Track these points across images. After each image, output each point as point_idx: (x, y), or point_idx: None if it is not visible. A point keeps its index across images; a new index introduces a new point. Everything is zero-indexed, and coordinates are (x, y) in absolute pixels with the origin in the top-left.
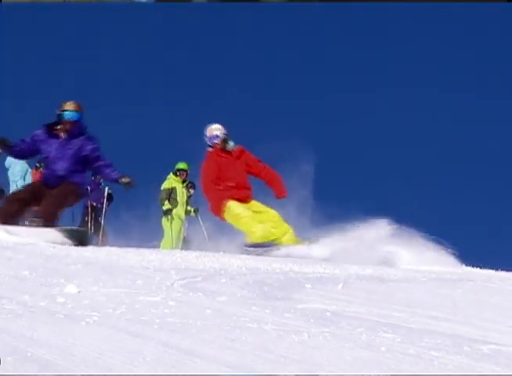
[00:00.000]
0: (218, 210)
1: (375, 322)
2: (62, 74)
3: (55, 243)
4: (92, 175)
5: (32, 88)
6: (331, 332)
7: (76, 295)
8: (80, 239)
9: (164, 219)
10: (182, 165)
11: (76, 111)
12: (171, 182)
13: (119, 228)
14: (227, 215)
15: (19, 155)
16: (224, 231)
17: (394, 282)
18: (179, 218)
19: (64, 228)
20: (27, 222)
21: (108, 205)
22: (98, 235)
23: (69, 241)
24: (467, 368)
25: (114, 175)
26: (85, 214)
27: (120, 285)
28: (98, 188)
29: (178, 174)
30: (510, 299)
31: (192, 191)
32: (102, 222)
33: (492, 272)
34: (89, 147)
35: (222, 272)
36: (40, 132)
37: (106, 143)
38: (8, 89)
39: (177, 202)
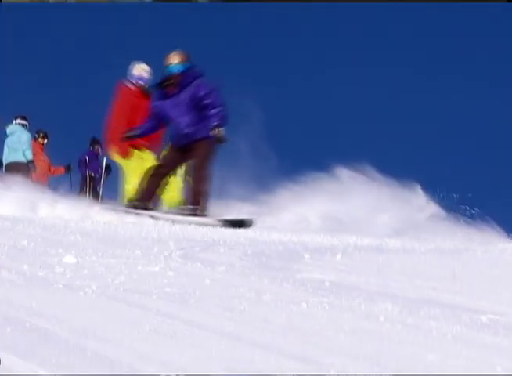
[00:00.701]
0: (121, 152)
1: (374, 292)
2: (64, 74)
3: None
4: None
5: (32, 87)
6: (330, 302)
7: (74, 265)
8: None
9: None
10: None
11: (180, 62)
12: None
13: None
14: (124, 161)
15: (153, 132)
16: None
17: (392, 252)
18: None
19: (226, 219)
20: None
21: (106, 176)
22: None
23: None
24: (466, 338)
25: (213, 122)
26: (83, 184)
27: (118, 255)
28: (96, 158)
29: None
30: (510, 270)
31: None
32: (101, 192)
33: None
34: (200, 94)
35: (221, 242)
36: (155, 98)
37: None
38: (7, 90)
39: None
